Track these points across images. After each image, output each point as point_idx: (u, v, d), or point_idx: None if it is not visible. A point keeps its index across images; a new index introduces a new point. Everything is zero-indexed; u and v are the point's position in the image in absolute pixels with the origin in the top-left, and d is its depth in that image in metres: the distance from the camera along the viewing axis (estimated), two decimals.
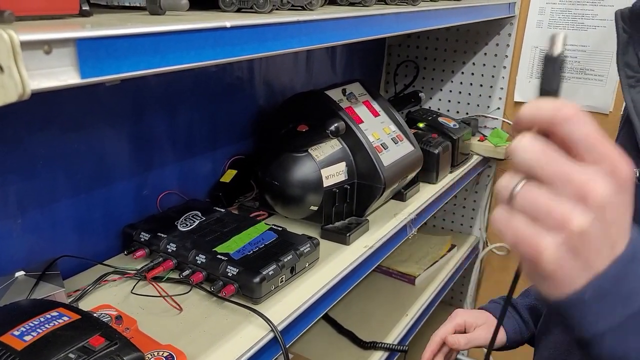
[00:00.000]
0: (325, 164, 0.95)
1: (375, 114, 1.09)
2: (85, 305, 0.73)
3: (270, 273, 0.75)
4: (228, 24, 0.51)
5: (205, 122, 1.04)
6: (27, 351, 0.52)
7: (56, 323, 0.56)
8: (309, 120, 0.99)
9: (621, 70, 0.68)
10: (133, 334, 0.68)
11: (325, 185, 0.94)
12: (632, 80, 0.67)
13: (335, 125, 0.90)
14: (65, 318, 0.57)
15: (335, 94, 1.04)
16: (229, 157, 1.11)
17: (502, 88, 1.50)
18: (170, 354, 0.64)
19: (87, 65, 0.39)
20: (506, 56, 1.47)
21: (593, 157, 0.36)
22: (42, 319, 0.56)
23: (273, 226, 0.88)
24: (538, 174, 0.37)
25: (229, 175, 1.08)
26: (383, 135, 1.05)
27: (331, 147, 0.97)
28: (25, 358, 0.51)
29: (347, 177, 0.98)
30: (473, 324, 0.87)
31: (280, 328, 0.71)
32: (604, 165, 0.36)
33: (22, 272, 0.72)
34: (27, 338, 0.53)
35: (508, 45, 1.46)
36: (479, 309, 0.91)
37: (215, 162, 1.09)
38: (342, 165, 0.97)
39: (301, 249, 0.82)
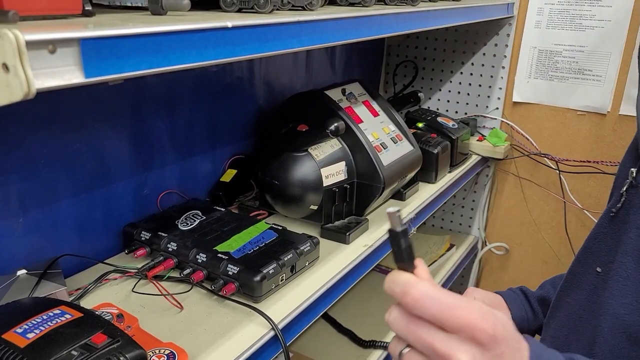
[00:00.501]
0: (325, 164, 0.95)
1: (375, 114, 1.09)
2: (86, 303, 0.74)
3: (270, 272, 0.76)
4: (229, 24, 0.51)
5: (205, 122, 1.04)
6: (30, 348, 0.52)
7: (58, 321, 0.56)
8: (308, 120, 0.99)
9: None
10: (134, 332, 0.68)
11: (325, 184, 0.95)
12: None
13: (335, 125, 0.91)
14: (68, 316, 0.58)
15: (334, 94, 1.04)
16: (229, 157, 1.12)
17: (500, 88, 1.50)
18: (171, 351, 0.64)
19: (91, 64, 0.39)
20: (505, 56, 1.48)
21: (450, 329, 0.40)
22: (44, 317, 0.57)
23: (273, 225, 0.89)
24: (411, 344, 0.43)
25: (229, 175, 1.09)
26: (382, 135, 1.06)
27: (331, 146, 0.98)
28: (28, 355, 0.51)
29: (346, 177, 0.98)
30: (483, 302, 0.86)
31: (280, 326, 0.71)
32: (461, 333, 0.40)
33: (23, 271, 0.72)
34: (30, 335, 0.54)
35: (507, 46, 1.47)
36: (494, 292, 0.90)
37: (216, 162, 1.09)
38: (341, 165, 0.98)
39: (301, 248, 0.82)
